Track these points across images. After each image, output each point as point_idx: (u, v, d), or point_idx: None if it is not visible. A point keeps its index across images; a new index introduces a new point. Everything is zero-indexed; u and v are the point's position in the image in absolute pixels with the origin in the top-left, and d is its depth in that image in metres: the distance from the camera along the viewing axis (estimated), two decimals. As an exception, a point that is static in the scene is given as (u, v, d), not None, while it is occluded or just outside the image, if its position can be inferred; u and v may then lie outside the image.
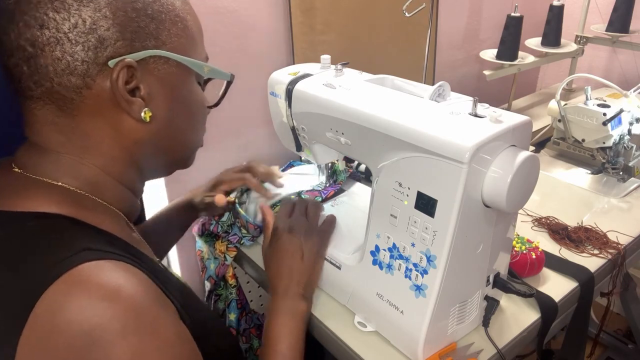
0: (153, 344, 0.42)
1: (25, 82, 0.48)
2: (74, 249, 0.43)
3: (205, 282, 0.97)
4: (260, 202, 0.89)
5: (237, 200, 0.92)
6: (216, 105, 0.62)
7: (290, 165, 1.11)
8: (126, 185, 0.55)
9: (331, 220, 0.83)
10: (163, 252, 0.92)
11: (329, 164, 0.95)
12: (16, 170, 0.51)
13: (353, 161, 1.06)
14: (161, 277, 0.51)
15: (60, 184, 0.50)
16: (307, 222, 0.80)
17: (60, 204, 0.49)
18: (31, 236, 0.45)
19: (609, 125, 1.08)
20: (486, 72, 1.39)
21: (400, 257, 0.67)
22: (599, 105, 1.12)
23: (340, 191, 0.97)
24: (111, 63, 0.48)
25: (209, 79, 0.61)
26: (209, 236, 0.96)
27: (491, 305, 0.72)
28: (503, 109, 0.64)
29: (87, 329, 0.39)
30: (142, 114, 0.51)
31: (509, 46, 1.40)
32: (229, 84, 0.61)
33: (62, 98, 0.48)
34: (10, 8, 0.46)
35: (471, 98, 0.64)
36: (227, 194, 0.89)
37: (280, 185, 0.90)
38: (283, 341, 0.67)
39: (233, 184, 0.89)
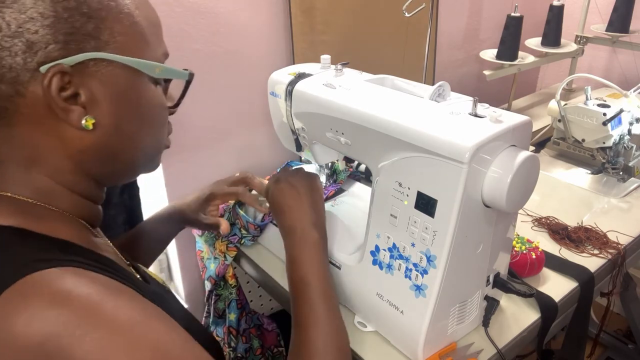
0: (117, 330, 0.39)
1: None
2: (18, 261, 0.41)
3: (205, 282, 0.97)
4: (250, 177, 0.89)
5: (236, 202, 0.92)
6: (176, 106, 0.58)
7: (289, 166, 1.11)
8: (80, 194, 0.52)
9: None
10: (148, 262, 0.88)
11: (329, 164, 0.95)
12: None
13: (353, 161, 1.06)
14: (128, 281, 0.48)
15: (8, 194, 0.47)
16: (291, 171, 0.77)
17: (9, 216, 0.46)
18: None
19: (609, 125, 1.08)
20: (486, 72, 1.39)
21: (400, 257, 0.67)
22: (599, 105, 1.12)
23: (340, 191, 0.97)
24: (43, 69, 0.43)
25: (169, 80, 0.56)
26: (209, 236, 0.96)
27: (491, 305, 0.72)
28: (503, 109, 0.64)
29: (40, 341, 0.36)
30: (83, 122, 0.46)
31: (509, 46, 1.40)
32: (188, 83, 0.56)
33: None
34: None
35: (471, 98, 0.64)
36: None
37: (264, 211, 0.88)
38: (307, 271, 0.65)
39: (226, 198, 0.88)
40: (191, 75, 0.56)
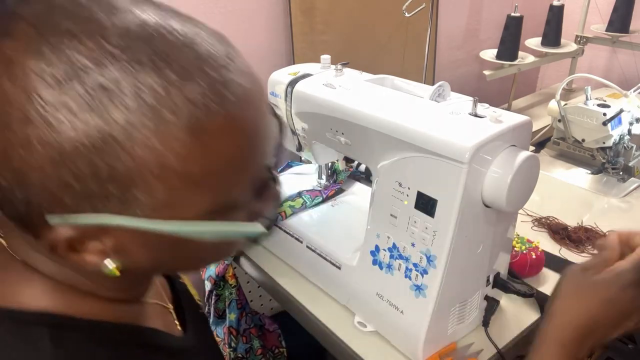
0: None
1: None
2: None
3: (206, 282, 0.97)
4: None
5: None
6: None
7: (289, 166, 1.11)
8: (118, 299, 0.43)
9: None
10: None
11: (329, 164, 0.95)
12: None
13: (353, 161, 1.06)
14: (165, 349, 0.45)
15: (38, 270, 0.39)
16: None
17: (43, 295, 0.38)
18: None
19: (609, 125, 1.08)
20: (486, 72, 1.39)
21: (400, 257, 0.66)
22: (599, 105, 1.12)
23: (340, 191, 0.97)
24: (50, 219, 0.33)
25: None
26: None
27: (491, 305, 0.72)
28: (503, 109, 0.64)
29: None
30: (107, 271, 0.36)
31: (509, 46, 1.40)
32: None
33: (20, 220, 0.35)
34: None
35: (471, 98, 0.64)
36: None
37: None
38: None
39: None
40: (265, 233, 0.39)
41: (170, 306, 0.53)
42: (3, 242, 0.40)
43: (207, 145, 0.32)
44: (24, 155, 0.30)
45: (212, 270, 0.94)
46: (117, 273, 0.36)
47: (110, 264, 0.36)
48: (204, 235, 0.36)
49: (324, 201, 0.93)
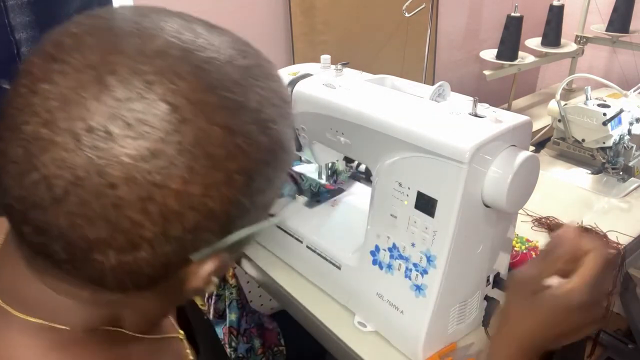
0: None
1: (58, 263, 0.33)
2: None
3: None
4: None
5: None
6: None
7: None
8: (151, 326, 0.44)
9: None
10: None
11: (329, 164, 0.95)
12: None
13: (353, 161, 1.06)
14: None
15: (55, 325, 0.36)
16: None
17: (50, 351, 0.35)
18: None
19: (609, 125, 1.08)
20: (486, 72, 1.39)
21: (400, 257, 0.67)
22: (599, 105, 1.12)
23: (340, 191, 0.97)
24: (196, 258, 0.34)
25: None
26: None
27: (491, 305, 0.72)
28: (503, 109, 0.64)
29: None
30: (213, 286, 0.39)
31: (509, 46, 1.40)
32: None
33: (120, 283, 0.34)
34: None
35: (471, 98, 0.64)
36: None
37: None
38: None
39: None
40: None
41: (182, 333, 0.51)
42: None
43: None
44: (223, 191, 0.32)
45: None
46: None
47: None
48: (254, 232, 0.38)
49: (319, 191, 0.93)
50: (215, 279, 0.37)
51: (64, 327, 0.36)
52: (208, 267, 0.35)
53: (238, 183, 0.33)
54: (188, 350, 0.51)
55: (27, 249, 0.34)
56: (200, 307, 0.61)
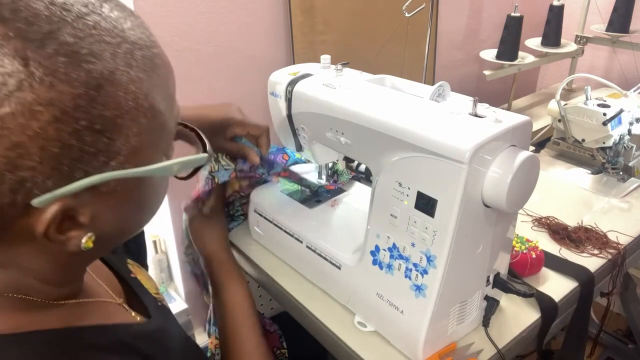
0: None
1: None
2: None
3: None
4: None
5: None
6: (186, 179, 0.50)
7: (282, 152, 1.09)
8: (60, 284, 0.46)
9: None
10: None
11: (329, 164, 0.95)
12: None
13: (353, 161, 1.06)
14: (108, 344, 0.45)
15: None
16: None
17: None
18: None
19: (609, 125, 1.08)
20: (486, 72, 1.39)
21: (400, 257, 0.67)
22: (599, 105, 1.12)
23: (340, 191, 0.97)
24: (37, 204, 0.34)
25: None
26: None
27: (491, 305, 0.72)
28: (503, 109, 0.64)
29: None
30: (83, 243, 0.38)
31: (509, 46, 1.40)
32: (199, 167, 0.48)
33: None
34: None
35: (471, 98, 0.64)
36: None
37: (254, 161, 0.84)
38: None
39: (248, 130, 0.82)
40: (209, 158, 0.48)
41: (118, 300, 0.54)
42: None
43: (156, 85, 0.39)
44: (24, 123, 0.31)
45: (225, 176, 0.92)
46: (91, 244, 0.39)
47: (86, 239, 0.38)
48: (170, 170, 0.42)
49: (318, 190, 0.93)
50: (76, 234, 0.38)
51: None
52: (50, 213, 0.35)
53: (45, 117, 0.32)
54: (133, 314, 0.54)
55: None
56: (154, 295, 0.62)
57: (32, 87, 0.31)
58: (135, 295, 0.58)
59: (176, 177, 0.48)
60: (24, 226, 0.36)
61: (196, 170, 0.49)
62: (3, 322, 0.41)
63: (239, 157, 0.84)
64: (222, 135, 0.81)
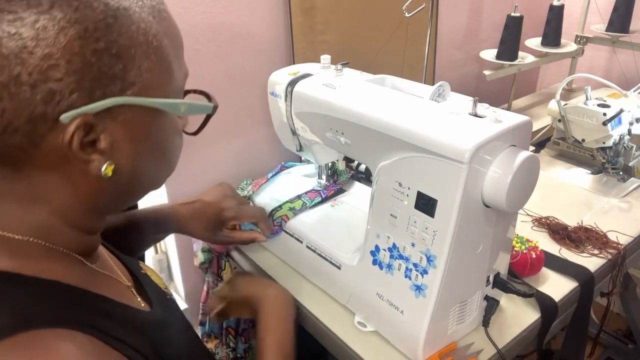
0: None
1: None
2: (13, 316, 0.38)
3: (204, 285, 0.98)
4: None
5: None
6: (195, 134, 0.54)
7: (283, 167, 1.11)
8: (81, 229, 0.48)
9: None
10: (140, 250, 0.85)
11: (329, 164, 0.95)
12: None
13: (353, 161, 1.06)
14: (120, 320, 0.46)
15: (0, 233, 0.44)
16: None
17: (0, 257, 0.43)
18: None
19: (609, 125, 1.08)
20: (486, 72, 1.39)
21: (400, 257, 0.66)
22: (599, 105, 1.12)
23: (340, 191, 0.97)
24: (64, 118, 0.39)
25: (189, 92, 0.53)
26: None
27: (491, 305, 0.72)
28: (503, 109, 0.64)
29: None
30: (103, 170, 0.42)
31: (509, 46, 1.40)
32: (209, 116, 0.52)
33: (4, 154, 0.40)
34: None
35: (471, 98, 0.64)
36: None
37: (263, 239, 0.87)
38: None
39: (245, 220, 0.85)
40: (215, 108, 0.51)
41: (128, 283, 0.56)
42: None
43: (163, 31, 0.45)
44: (55, 36, 0.37)
45: (209, 275, 0.94)
46: (110, 173, 0.43)
47: (106, 167, 0.43)
48: (178, 108, 0.47)
49: (323, 201, 0.93)
50: (98, 157, 0.42)
51: (9, 235, 0.44)
52: (74, 126, 0.39)
53: (72, 33, 0.38)
54: (139, 299, 0.55)
55: None
56: (163, 289, 0.63)
57: (62, 7, 0.37)
58: (143, 288, 0.58)
59: (185, 132, 0.53)
60: (52, 143, 0.40)
61: (204, 123, 0.53)
62: (27, 266, 0.43)
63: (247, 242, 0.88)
64: (219, 229, 0.83)
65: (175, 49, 0.47)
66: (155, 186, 0.53)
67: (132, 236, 0.77)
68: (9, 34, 0.36)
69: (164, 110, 0.46)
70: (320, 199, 0.93)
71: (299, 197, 0.93)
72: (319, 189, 0.96)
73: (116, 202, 0.50)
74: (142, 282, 0.59)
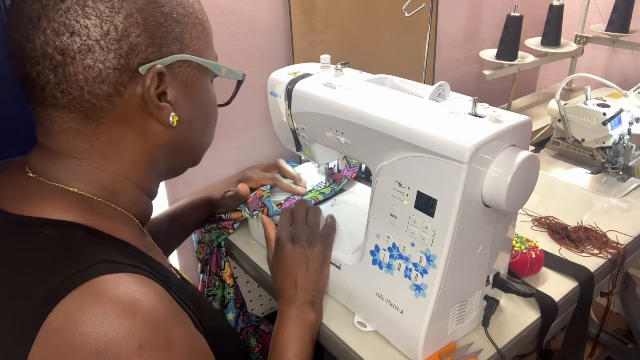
0: (172, 355, 0.41)
1: (51, 91, 0.46)
2: (91, 261, 0.42)
3: (202, 275, 0.97)
4: (261, 215, 0.87)
5: (268, 195, 0.90)
6: (227, 104, 0.63)
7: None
8: (144, 189, 0.55)
9: (332, 225, 0.81)
10: (171, 250, 0.92)
11: (329, 164, 0.95)
12: (31, 175, 0.50)
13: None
14: (174, 285, 0.50)
15: (75, 190, 0.49)
16: (310, 229, 0.77)
17: (76, 212, 0.48)
18: (47, 244, 0.44)
19: (609, 125, 1.08)
20: (486, 72, 1.39)
21: (400, 257, 0.66)
22: (599, 105, 1.12)
23: (340, 191, 0.97)
24: (142, 70, 0.48)
25: (216, 76, 0.60)
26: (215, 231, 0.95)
27: (491, 305, 0.72)
28: (503, 109, 0.64)
29: (102, 346, 0.37)
30: (171, 119, 0.51)
31: (509, 46, 1.40)
32: (240, 83, 0.61)
33: (92, 107, 0.47)
34: (36, 14, 0.44)
35: (471, 98, 0.64)
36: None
37: (302, 192, 0.91)
38: (291, 348, 0.66)
39: (263, 182, 0.90)
40: (244, 76, 0.61)
41: (169, 262, 0.61)
42: (32, 175, 0.50)
43: (205, 15, 0.56)
44: (135, 1, 0.47)
45: (274, 209, 0.92)
46: (175, 123, 0.51)
47: (173, 116, 0.51)
48: (220, 70, 0.56)
49: (323, 201, 0.93)
50: (168, 106, 0.51)
51: (81, 192, 0.50)
52: (150, 77, 0.48)
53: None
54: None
55: (32, 92, 0.47)
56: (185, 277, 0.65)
57: None
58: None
59: (219, 105, 0.61)
60: (132, 93, 0.48)
61: (235, 92, 0.62)
62: (102, 224, 0.48)
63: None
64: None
65: (210, 29, 0.57)
66: (203, 149, 0.61)
67: (175, 225, 0.88)
68: None
69: (208, 74, 0.56)
70: (346, 180, 0.96)
71: (327, 184, 0.95)
72: (319, 189, 0.96)
73: (174, 160, 0.57)
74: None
